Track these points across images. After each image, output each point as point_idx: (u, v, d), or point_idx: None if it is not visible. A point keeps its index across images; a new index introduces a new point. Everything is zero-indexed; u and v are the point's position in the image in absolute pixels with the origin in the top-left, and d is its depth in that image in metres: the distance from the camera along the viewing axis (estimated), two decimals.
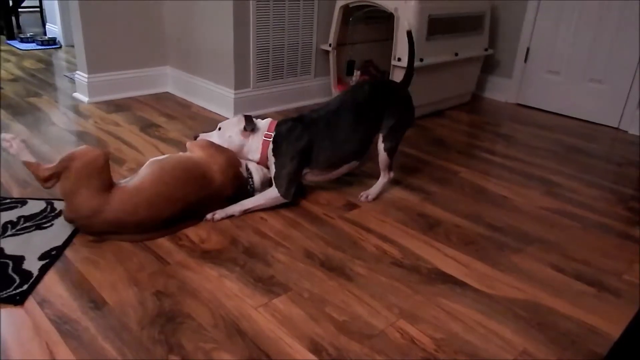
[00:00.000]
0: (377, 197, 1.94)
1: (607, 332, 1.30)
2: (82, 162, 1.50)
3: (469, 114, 3.14)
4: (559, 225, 1.84)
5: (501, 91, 3.48)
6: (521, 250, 1.66)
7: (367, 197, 1.93)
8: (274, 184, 1.79)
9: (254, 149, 1.83)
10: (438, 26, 2.77)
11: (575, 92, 3.14)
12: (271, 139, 1.80)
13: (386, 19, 3.07)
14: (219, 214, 1.72)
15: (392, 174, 1.96)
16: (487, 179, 2.20)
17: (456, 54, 2.94)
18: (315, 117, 1.83)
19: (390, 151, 1.90)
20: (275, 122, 1.85)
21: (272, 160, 1.80)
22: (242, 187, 1.78)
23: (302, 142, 1.78)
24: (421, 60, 2.69)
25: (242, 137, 1.82)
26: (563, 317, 1.35)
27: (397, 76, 2.73)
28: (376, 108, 1.86)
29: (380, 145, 1.89)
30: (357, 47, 3.15)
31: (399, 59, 2.69)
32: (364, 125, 1.85)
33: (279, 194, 1.77)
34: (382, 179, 1.95)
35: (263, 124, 1.84)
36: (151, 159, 1.67)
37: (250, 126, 1.80)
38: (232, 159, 1.76)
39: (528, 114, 3.24)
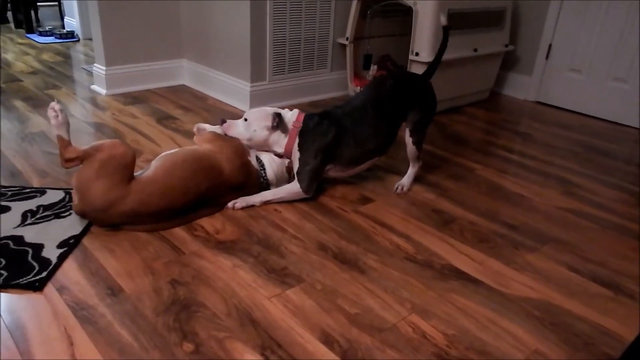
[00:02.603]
0: (375, 191, 1.96)
1: (622, 335, 1.28)
2: (109, 154, 1.52)
3: (487, 111, 3.11)
4: (576, 225, 1.82)
5: (521, 88, 3.44)
6: (536, 249, 1.65)
7: (402, 188, 1.96)
8: (295, 178, 1.79)
9: (279, 143, 1.80)
10: (457, 21, 2.75)
11: (598, 91, 3.09)
12: (298, 134, 1.78)
13: (404, 13, 3.05)
14: (240, 202, 1.74)
15: (420, 162, 2.00)
16: (504, 176, 2.18)
17: (475, 50, 2.91)
18: (341, 113, 1.82)
19: (418, 144, 1.93)
20: (303, 114, 1.82)
21: (296, 154, 1.79)
22: (250, 176, 1.77)
23: (328, 139, 1.77)
24: None
25: (267, 132, 1.80)
26: (577, 318, 1.34)
27: (415, 71, 2.71)
28: (400, 103, 1.86)
29: (409, 140, 1.91)
30: (375, 41, 3.13)
31: (417, 54, 2.67)
32: (388, 121, 1.85)
33: (300, 189, 1.78)
34: (412, 169, 1.99)
35: (289, 117, 1.81)
36: (162, 154, 1.69)
37: (280, 127, 1.78)
38: (239, 149, 1.76)
39: (548, 112, 3.19)
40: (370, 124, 1.82)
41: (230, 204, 1.74)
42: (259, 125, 1.79)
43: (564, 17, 3.14)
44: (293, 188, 1.79)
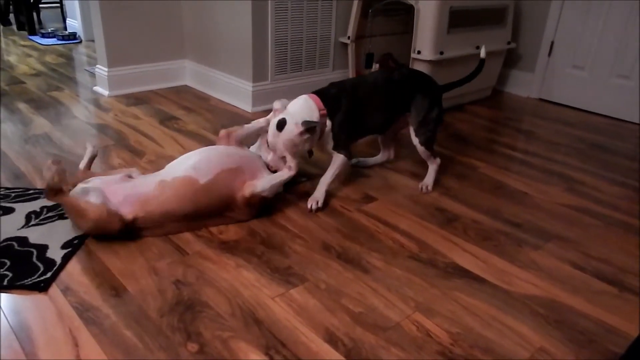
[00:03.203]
0: (378, 190, 1.96)
1: (626, 332, 1.28)
2: (94, 226, 1.48)
3: (489, 109, 3.11)
4: (579, 222, 1.81)
5: (523, 86, 3.43)
6: (540, 247, 1.64)
7: (426, 187, 1.97)
8: (334, 152, 1.81)
9: (317, 135, 1.75)
10: (460, 19, 2.74)
11: (601, 88, 3.08)
12: (326, 117, 1.75)
13: (406, 12, 3.05)
14: (312, 202, 1.77)
15: (438, 160, 2.00)
16: (507, 174, 2.18)
17: (477, 47, 2.91)
18: (351, 84, 1.83)
19: (426, 143, 1.93)
20: (317, 98, 1.75)
21: (329, 135, 1.78)
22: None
23: (348, 107, 1.77)
24: (441, 53, 2.67)
25: (305, 140, 1.71)
26: (581, 315, 1.33)
27: (417, 69, 2.71)
28: (406, 92, 1.89)
29: (415, 140, 1.92)
30: (376, 40, 3.13)
31: (419, 52, 2.67)
32: (392, 103, 1.88)
33: (344, 158, 1.81)
34: (431, 167, 2.00)
35: (309, 108, 1.72)
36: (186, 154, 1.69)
37: (312, 132, 1.71)
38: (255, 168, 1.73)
39: (550, 109, 3.19)
40: (377, 100, 1.84)
41: (311, 205, 1.76)
42: (294, 144, 1.70)
43: (566, 14, 3.13)
44: (339, 161, 1.80)
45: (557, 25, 3.18)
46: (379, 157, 2.16)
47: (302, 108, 1.71)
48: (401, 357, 1.16)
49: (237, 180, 1.63)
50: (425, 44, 2.65)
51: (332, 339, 1.20)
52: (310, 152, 1.84)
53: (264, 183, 1.65)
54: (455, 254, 1.57)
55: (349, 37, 3.01)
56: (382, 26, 3.13)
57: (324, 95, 1.76)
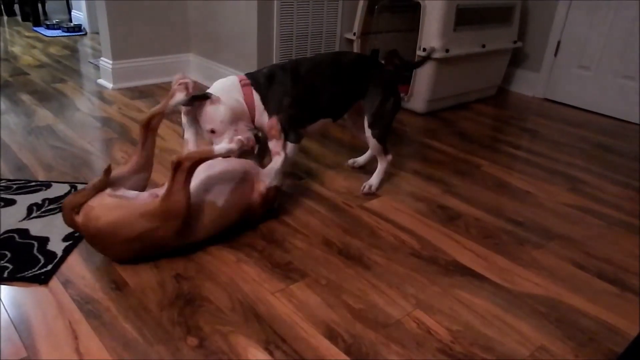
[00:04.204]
0: (379, 187, 1.91)
1: (627, 331, 1.28)
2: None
3: (494, 108, 3.09)
4: (582, 222, 1.81)
5: (528, 85, 3.42)
6: (542, 245, 1.64)
7: (369, 187, 1.88)
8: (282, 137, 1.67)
9: (242, 119, 1.64)
10: (466, 17, 2.73)
11: (606, 89, 3.06)
12: (255, 98, 1.65)
13: (412, 9, 3.04)
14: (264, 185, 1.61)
15: (389, 157, 1.91)
16: (510, 173, 2.17)
17: (483, 46, 2.90)
18: (294, 63, 1.73)
19: (379, 137, 1.83)
20: (247, 81, 1.66)
21: (265, 119, 1.66)
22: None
23: (287, 85, 1.66)
24: (447, 51, 2.66)
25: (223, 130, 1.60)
26: (582, 314, 1.33)
27: (423, 67, 2.70)
28: (357, 78, 1.79)
29: (368, 132, 1.81)
30: (382, 37, 3.12)
31: (424, 50, 2.66)
32: (342, 86, 1.76)
33: (290, 144, 1.69)
34: (381, 166, 1.91)
35: (230, 92, 1.63)
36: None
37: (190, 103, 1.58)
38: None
39: (555, 109, 3.17)
40: (325, 80, 1.73)
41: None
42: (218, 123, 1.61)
43: (573, 14, 3.11)
44: (285, 147, 1.66)
45: (563, 25, 3.16)
46: (369, 152, 2.07)
47: (219, 82, 1.65)
48: (401, 353, 1.16)
49: (248, 185, 1.56)
50: (431, 42, 2.64)
51: (332, 335, 1.19)
52: (257, 138, 1.72)
53: (269, 174, 1.60)
54: (457, 252, 1.56)
55: (354, 34, 2.99)
56: (388, 23, 3.12)
57: (252, 75, 1.68)
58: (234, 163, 1.55)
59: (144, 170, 1.51)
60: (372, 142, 1.84)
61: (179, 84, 1.53)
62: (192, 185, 1.38)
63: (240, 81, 1.66)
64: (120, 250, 1.35)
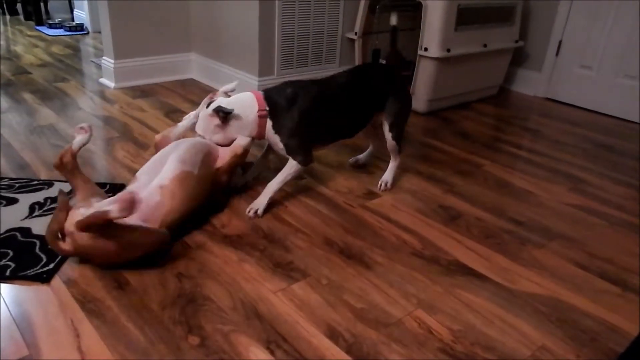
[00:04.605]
0: (380, 186, 1.94)
1: (628, 331, 1.27)
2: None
3: (495, 107, 3.09)
4: (584, 222, 1.80)
5: (530, 85, 3.41)
6: (544, 245, 1.63)
7: (385, 184, 1.93)
8: (289, 157, 1.71)
9: (246, 129, 1.68)
10: (467, 16, 2.73)
11: (608, 88, 3.05)
12: (268, 117, 1.67)
13: (414, 8, 3.03)
14: (252, 209, 1.68)
15: (399, 156, 1.97)
16: (512, 173, 2.17)
17: (485, 45, 2.89)
18: (313, 85, 1.73)
19: (397, 138, 1.89)
20: (261, 95, 1.69)
21: (276, 137, 1.69)
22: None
23: (305, 106, 1.67)
24: (448, 50, 2.65)
25: (223, 130, 1.68)
26: (584, 314, 1.33)
27: (424, 66, 2.70)
28: (378, 96, 1.83)
29: (388, 135, 1.87)
30: (383, 36, 3.12)
31: (426, 49, 2.66)
32: (364, 109, 1.82)
33: (298, 165, 1.71)
34: (394, 163, 1.96)
35: (246, 103, 1.67)
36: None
37: (232, 117, 1.65)
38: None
39: (557, 108, 3.17)
40: (345, 104, 1.76)
41: (251, 214, 1.68)
42: (210, 131, 1.68)
43: (574, 14, 3.11)
44: (290, 168, 1.70)
45: (565, 25, 3.16)
46: (369, 150, 2.12)
47: (237, 99, 1.68)
48: (402, 353, 1.16)
49: (213, 158, 1.65)
50: (432, 41, 2.64)
51: (333, 335, 1.20)
52: (242, 168, 1.82)
53: (234, 148, 1.69)
54: (458, 251, 1.56)
55: (356, 33, 2.99)
56: (390, 22, 3.11)
57: (271, 96, 1.68)
58: (197, 139, 1.67)
59: (97, 195, 1.46)
60: (391, 143, 1.90)
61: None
62: (171, 163, 1.53)
63: (258, 108, 1.66)
64: (122, 255, 1.35)
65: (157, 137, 1.79)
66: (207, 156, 1.63)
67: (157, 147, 1.75)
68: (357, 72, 1.84)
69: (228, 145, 1.70)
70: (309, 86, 1.72)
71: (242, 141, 1.69)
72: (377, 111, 1.87)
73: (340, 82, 1.78)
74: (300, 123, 1.67)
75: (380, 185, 1.93)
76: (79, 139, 1.53)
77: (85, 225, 1.26)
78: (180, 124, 1.80)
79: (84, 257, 1.36)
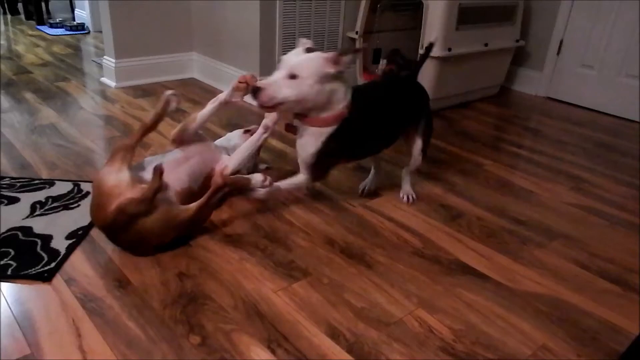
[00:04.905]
0: (380, 187, 1.91)
1: (629, 330, 1.27)
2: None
3: (496, 107, 3.09)
4: (585, 221, 1.80)
5: (531, 84, 3.41)
6: (545, 245, 1.63)
7: (412, 197, 1.84)
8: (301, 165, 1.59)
9: (337, 102, 1.49)
10: (469, 15, 2.73)
11: (610, 88, 3.05)
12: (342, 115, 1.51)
13: (415, 7, 3.03)
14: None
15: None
16: (513, 172, 2.17)
17: (486, 45, 2.89)
18: (366, 90, 1.67)
19: (425, 151, 1.81)
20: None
21: (320, 137, 1.53)
22: None
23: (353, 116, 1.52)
24: (449, 50, 2.65)
25: (326, 84, 1.45)
26: (585, 313, 1.33)
27: (425, 66, 2.69)
28: (412, 107, 1.77)
29: (419, 153, 1.79)
30: (384, 36, 3.11)
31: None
32: (400, 121, 1.74)
33: (303, 182, 1.61)
34: (410, 175, 1.87)
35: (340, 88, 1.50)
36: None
37: (349, 60, 1.44)
38: None
39: (558, 108, 3.16)
40: (384, 120, 1.65)
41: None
42: (316, 75, 1.40)
43: (575, 13, 3.10)
44: (296, 180, 1.59)
45: (566, 24, 3.15)
46: (373, 172, 1.92)
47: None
48: (403, 352, 1.16)
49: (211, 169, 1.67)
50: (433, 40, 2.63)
51: (334, 334, 1.20)
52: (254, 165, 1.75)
53: (232, 158, 1.67)
54: (459, 251, 1.56)
55: (357, 32, 2.99)
56: (391, 21, 3.11)
57: (356, 94, 1.52)
58: (207, 154, 1.69)
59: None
60: (419, 157, 1.80)
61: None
62: (180, 175, 1.55)
63: (342, 107, 1.51)
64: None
65: (173, 133, 1.70)
66: (209, 171, 1.65)
67: (176, 143, 1.68)
68: (392, 85, 1.77)
69: (272, 110, 1.53)
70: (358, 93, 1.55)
71: (231, 164, 1.63)
72: (409, 127, 1.77)
73: (379, 95, 1.67)
74: (342, 134, 1.51)
75: (407, 199, 1.84)
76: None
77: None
78: (201, 113, 1.70)
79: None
